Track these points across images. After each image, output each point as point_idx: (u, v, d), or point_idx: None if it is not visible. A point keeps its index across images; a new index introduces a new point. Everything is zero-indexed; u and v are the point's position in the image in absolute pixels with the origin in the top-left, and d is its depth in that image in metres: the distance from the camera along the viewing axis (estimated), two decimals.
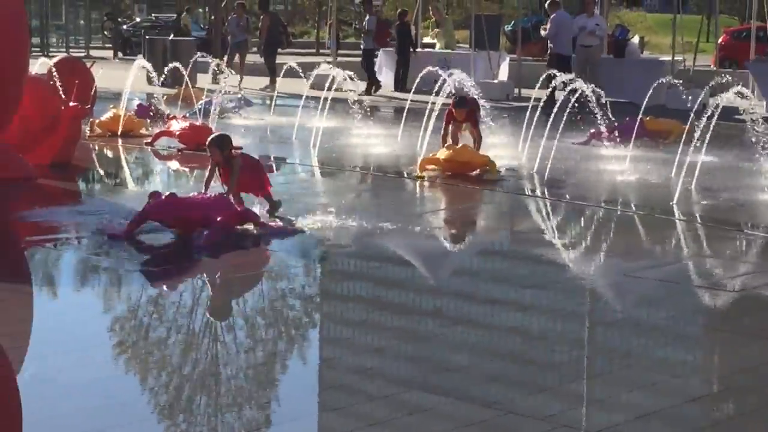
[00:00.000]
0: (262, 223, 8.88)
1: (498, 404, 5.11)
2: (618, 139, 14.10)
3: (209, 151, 9.32)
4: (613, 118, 14.09)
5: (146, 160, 14.32)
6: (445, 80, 16.12)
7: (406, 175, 11.97)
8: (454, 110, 12.18)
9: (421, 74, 17.43)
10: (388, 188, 13.08)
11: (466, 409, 5.02)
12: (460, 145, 12.20)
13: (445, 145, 11.82)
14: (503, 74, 25.68)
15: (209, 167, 9.44)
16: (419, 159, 11.98)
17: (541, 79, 16.16)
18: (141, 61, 18.80)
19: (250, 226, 8.77)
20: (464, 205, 11.70)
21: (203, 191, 9.02)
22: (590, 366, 6.00)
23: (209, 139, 9.48)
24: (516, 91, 23.61)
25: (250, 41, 26.53)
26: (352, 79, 17.89)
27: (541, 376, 5.81)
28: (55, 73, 13.78)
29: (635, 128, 13.97)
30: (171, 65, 19.29)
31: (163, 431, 4.89)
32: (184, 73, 18.38)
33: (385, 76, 26.42)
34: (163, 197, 8.36)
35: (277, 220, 9.15)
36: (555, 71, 15.33)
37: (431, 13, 30.99)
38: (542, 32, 24.28)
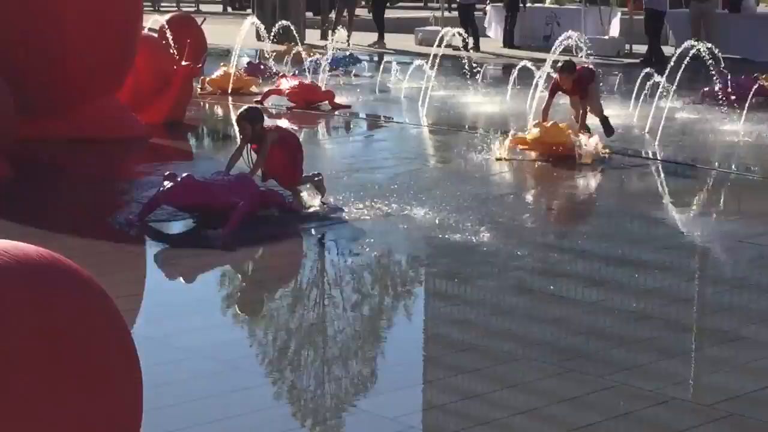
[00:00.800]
0: (289, 207, 8.11)
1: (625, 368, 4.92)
2: (733, 98, 13.57)
3: (238, 126, 8.43)
4: (729, 75, 13.66)
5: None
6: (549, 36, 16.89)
7: (482, 157, 10.18)
8: (559, 77, 10.49)
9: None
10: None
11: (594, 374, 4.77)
12: (551, 122, 10.25)
13: (534, 122, 10.09)
14: (614, 30, 25.42)
15: (238, 145, 8.50)
16: (504, 139, 10.20)
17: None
18: (252, 18, 18.89)
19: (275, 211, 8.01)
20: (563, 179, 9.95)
21: (225, 172, 8.02)
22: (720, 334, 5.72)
23: (239, 112, 8.54)
24: (627, 47, 23.67)
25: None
26: (460, 35, 17.85)
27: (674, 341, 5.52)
28: (167, 31, 13.89)
29: (752, 86, 13.80)
30: (280, 22, 19.37)
31: (275, 395, 4.91)
32: (293, 29, 19.00)
33: (494, 31, 26.46)
34: (179, 179, 7.53)
35: (323, 205, 8.20)
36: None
37: None
38: None
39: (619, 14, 26.03)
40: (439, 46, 16.36)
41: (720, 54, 13.36)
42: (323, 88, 14.70)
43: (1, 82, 9.53)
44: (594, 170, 9.48)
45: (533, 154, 9.72)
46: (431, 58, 15.48)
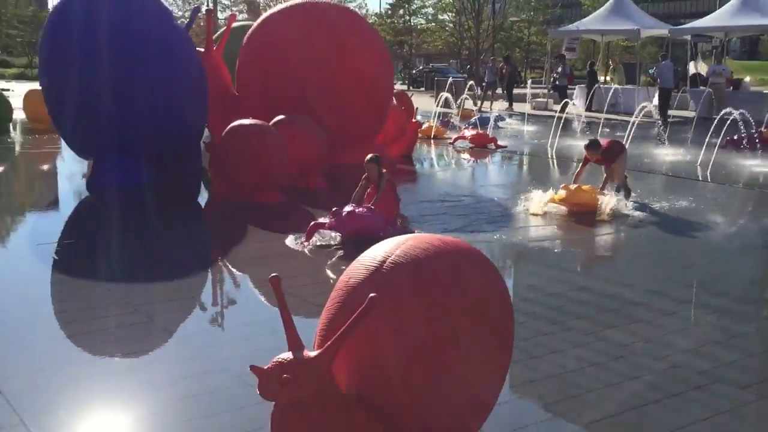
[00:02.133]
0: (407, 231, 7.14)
1: None
2: (748, 145, 14.83)
3: (367, 168, 7.61)
4: (743, 130, 14.54)
5: (450, 153, 15.71)
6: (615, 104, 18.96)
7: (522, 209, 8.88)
8: (586, 152, 9.41)
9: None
10: None
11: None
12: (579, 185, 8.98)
13: (563, 185, 8.98)
14: (656, 101, 28.61)
15: (361, 183, 7.68)
16: (541, 198, 8.87)
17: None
18: (445, 94, 20.48)
19: None
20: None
21: (354, 204, 7.35)
22: None
23: (370, 156, 7.74)
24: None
25: (497, 82, 28.79)
26: (569, 102, 19.51)
27: None
28: (394, 101, 14.79)
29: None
30: (447, 95, 20.70)
31: None
32: (455, 101, 21.05)
33: (579, 101, 29.32)
34: (344, 213, 6.96)
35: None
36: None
37: (610, 60, 34.26)
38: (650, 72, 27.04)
39: (658, 91, 29.31)
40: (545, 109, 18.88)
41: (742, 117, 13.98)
42: (490, 135, 16.66)
43: (319, 127, 10.55)
44: (608, 225, 8.27)
45: (564, 209, 8.70)
46: (556, 120, 16.75)
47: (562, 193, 8.87)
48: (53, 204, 9.90)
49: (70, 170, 12.45)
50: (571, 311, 5.36)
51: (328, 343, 2.65)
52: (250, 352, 4.47)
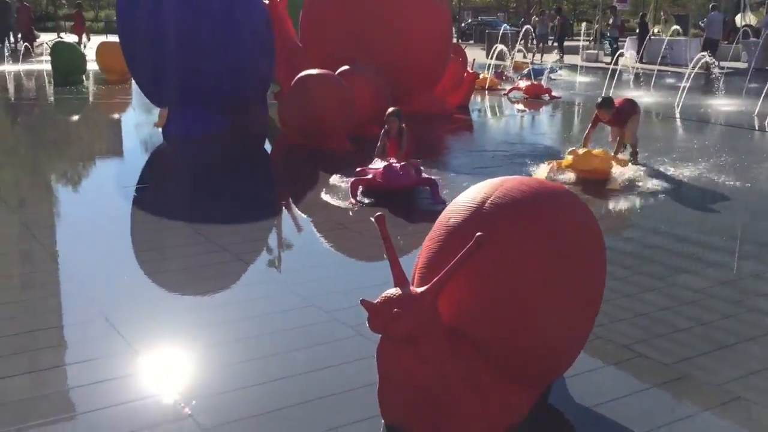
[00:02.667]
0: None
1: None
2: None
3: (387, 121, 7.25)
4: None
5: (505, 103, 15.43)
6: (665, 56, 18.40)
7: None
8: (598, 111, 8.11)
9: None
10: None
11: None
12: (585, 149, 7.58)
13: (571, 150, 7.55)
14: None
15: (381, 138, 7.31)
16: (549, 164, 7.62)
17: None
18: (500, 46, 20.09)
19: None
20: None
21: (380, 159, 6.98)
22: None
23: (391, 109, 7.40)
24: (717, 63, 25.84)
25: (548, 34, 28.30)
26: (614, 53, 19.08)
27: None
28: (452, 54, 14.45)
29: None
30: (500, 46, 20.47)
31: None
32: (510, 52, 20.96)
33: (629, 53, 28.84)
34: (392, 169, 6.55)
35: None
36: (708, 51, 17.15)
37: (661, 12, 33.25)
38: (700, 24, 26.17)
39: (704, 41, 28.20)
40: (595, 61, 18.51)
41: None
42: (544, 86, 16.26)
43: (383, 77, 10.49)
44: (616, 196, 6.99)
45: (572, 176, 7.34)
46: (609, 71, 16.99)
47: (569, 158, 7.41)
48: (131, 150, 10.07)
49: (143, 119, 12.64)
50: (641, 257, 5.32)
51: (435, 279, 2.63)
52: (332, 289, 4.56)
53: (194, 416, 3.02)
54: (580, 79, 19.89)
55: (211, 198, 6.85)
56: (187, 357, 3.55)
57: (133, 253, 5.25)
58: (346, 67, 10.14)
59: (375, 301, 2.69)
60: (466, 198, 2.99)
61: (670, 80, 18.84)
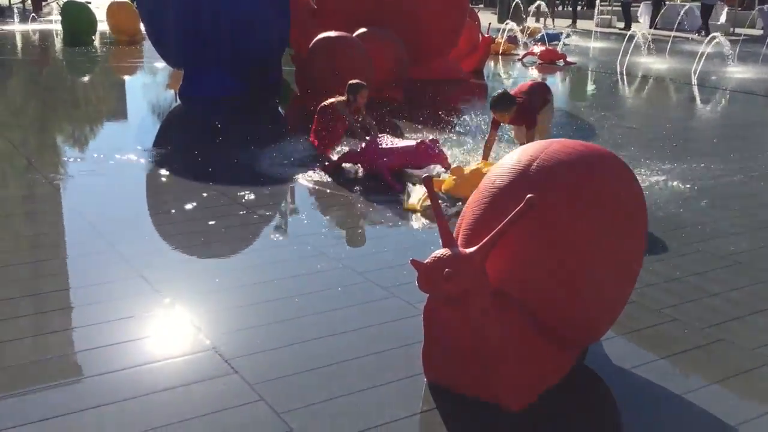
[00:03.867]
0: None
1: None
2: None
3: (360, 94, 6.55)
4: None
5: (518, 68, 15.50)
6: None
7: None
8: (493, 113, 6.04)
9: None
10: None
11: None
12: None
13: (454, 167, 5.69)
14: (722, 18, 27.47)
15: (345, 113, 6.59)
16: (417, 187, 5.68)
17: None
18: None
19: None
20: None
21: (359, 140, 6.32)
22: None
23: (355, 82, 6.61)
24: (732, 29, 25.01)
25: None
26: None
27: None
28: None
29: None
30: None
31: None
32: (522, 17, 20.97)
33: (643, 19, 28.30)
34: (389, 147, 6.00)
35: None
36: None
37: None
38: None
39: (726, 8, 28.13)
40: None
41: None
42: (559, 52, 16.19)
43: (400, 41, 10.52)
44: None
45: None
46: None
47: (450, 179, 5.39)
48: (146, 112, 10.04)
49: (156, 80, 12.61)
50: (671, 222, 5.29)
51: (484, 240, 2.65)
52: (364, 251, 4.67)
53: (239, 372, 3.05)
54: (594, 44, 19.59)
55: (228, 160, 6.86)
56: (224, 317, 3.58)
57: (161, 215, 5.30)
58: (363, 30, 10.02)
59: (425, 261, 2.70)
60: (511, 160, 3.01)
61: (686, 47, 18.62)
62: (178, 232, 4.84)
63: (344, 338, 3.39)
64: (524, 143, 4.78)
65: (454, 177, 5.40)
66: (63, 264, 4.26)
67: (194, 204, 5.43)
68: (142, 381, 3.00)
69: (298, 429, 2.69)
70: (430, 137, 6.54)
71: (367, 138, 6.26)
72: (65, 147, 7.67)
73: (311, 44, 9.20)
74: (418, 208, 5.21)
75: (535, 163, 2.92)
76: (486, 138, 6.25)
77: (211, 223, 5.03)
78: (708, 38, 15.12)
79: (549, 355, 3.00)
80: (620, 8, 26.96)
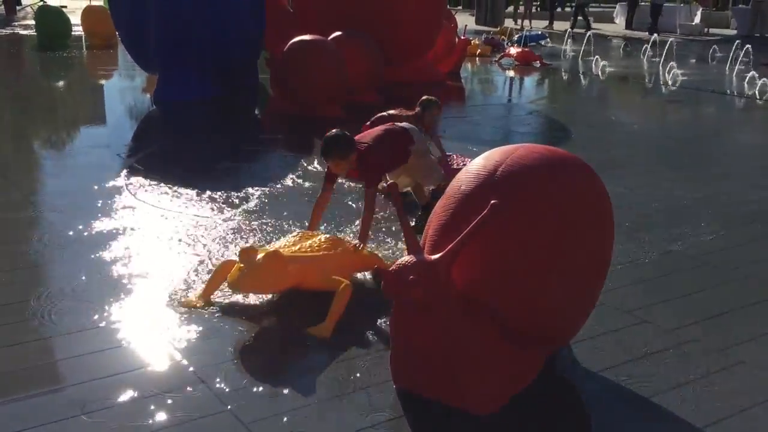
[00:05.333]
0: None
1: None
2: None
3: (431, 109, 5.85)
4: None
5: (495, 70, 15.60)
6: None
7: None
8: (327, 162, 4.29)
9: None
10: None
11: None
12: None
13: (242, 249, 3.60)
14: (697, 18, 27.71)
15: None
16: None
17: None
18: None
19: None
20: None
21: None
22: None
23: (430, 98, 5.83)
24: (706, 29, 25.24)
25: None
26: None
27: None
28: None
29: None
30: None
31: None
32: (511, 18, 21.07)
33: (619, 20, 28.66)
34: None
35: None
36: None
37: None
38: None
39: (701, 9, 28.29)
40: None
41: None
42: (535, 53, 16.27)
43: (375, 43, 10.39)
44: None
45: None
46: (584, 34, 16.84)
47: (236, 267, 3.62)
48: (121, 116, 9.92)
49: (131, 84, 12.47)
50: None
51: (449, 247, 2.65)
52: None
53: (206, 382, 3.02)
54: (572, 47, 19.67)
55: (203, 162, 6.86)
56: (194, 328, 3.51)
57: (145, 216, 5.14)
58: (338, 33, 10.01)
59: (390, 269, 2.70)
60: (477, 165, 3.01)
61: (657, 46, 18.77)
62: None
63: (310, 350, 3.36)
64: (396, 205, 3.16)
65: (242, 264, 3.49)
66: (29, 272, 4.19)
67: (184, 209, 5.39)
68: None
69: None
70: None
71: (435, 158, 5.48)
72: (32, 152, 7.53)
73: (285, 48, 9.16)
74: (199, 304, 3.66)
75: (501, 169, 2.93)
76: (318, 200, 4.38)
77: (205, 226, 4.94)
78: (653, 37, 15.10)
79: (518, 358, 3.02)
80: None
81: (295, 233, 3.96)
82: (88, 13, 17.63)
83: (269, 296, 3.75)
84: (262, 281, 3.36)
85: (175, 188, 5.92)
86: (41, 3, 21.65)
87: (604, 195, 3.05)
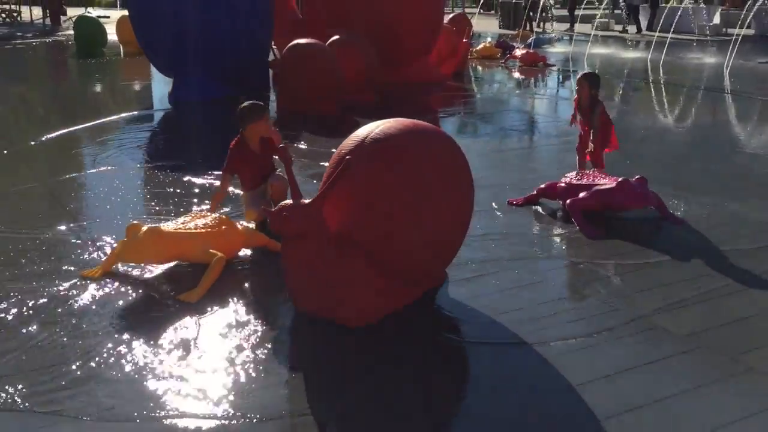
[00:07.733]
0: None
1: None
2: None
3: (578, 85, 5.70)
4: None
5: (502, 71, 15.81)
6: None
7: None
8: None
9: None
10: None
11: None
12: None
13: (129, 225, 4.09)
14: (716, 19, 27.85)
15: (575, 106, 5.77)
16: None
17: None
18: (498, 17, 20.58)
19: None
20: None
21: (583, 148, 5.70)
22: None
23: (584, 73, 5.74)
24: (724, 29, 25.50)
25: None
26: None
27: None
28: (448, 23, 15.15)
29: None
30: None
31: None
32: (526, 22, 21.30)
33: (642, 22, 28.75)
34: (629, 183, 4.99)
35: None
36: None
37: None
38: None
39: (719, 9, 28.44)
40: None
41: None
42: (540, 55, 16.66)
43: (370, 46, 10.86)
44: None
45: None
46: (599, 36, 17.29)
47: (120, 242, 4.05)
48: (141, 115, 10.67)
49: (158, 86, 13.23)
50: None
51: (318, 193, 3.46)
52: None
53: None
54: (579, 48, 19.94)
55: (214, 154, 6.94)
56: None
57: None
58: (335, 37, 10.73)
59: (272, 209, 3.53)
60: (355, 134, 3.75)
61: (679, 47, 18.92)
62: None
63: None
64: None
65: (126, 238, 3.94)
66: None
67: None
68: None
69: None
70: (637, 176, 5.18)
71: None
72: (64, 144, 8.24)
73: (284, 50, 9.96)
74: (96, 274, 4.09)
75: (370, 136, 3.70)
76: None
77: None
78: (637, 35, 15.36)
79: (388, 285, 3.69)
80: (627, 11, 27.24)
81: (192, 213, 4.45)
82: (122, 23, 18.62)
83: (154, 266, 4.07)
84: (141, 253, 3.83)
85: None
86: (87, 13, 22.74)
87: (460, 158, 3.69)
